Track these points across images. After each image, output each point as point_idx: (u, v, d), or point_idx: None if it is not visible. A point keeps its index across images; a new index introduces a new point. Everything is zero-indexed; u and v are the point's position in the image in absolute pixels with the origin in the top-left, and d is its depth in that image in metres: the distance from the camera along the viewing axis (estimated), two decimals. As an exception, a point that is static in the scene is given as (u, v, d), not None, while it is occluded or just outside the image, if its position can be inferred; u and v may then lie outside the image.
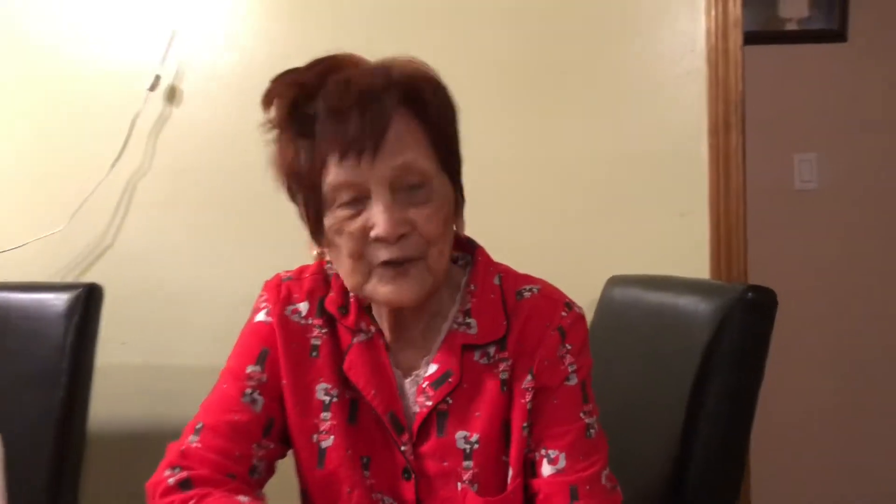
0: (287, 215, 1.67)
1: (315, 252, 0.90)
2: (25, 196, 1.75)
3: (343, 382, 0.89)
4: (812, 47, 2.73)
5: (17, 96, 1.76)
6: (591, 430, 0.86)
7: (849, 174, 2.72)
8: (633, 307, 1.27)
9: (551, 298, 0.89)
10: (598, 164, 1.65)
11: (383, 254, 0.82)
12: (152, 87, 1.71)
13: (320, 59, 0.85)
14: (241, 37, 1.73)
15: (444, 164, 0.85)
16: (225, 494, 0.82)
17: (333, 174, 0.81)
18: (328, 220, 0.83)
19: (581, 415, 0.86)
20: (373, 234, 0.81)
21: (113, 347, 1.61)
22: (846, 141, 2.72)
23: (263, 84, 1.68)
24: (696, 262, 1.61)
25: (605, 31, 1.65)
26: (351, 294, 0.89)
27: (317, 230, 0.85)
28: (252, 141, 1.67)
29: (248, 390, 0.88)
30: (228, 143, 1.72)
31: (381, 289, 0.83)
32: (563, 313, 0.88)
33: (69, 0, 1.74)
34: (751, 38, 2.67)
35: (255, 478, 0.88)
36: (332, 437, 0.87)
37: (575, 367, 0.86)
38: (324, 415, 0.88)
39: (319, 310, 0.91)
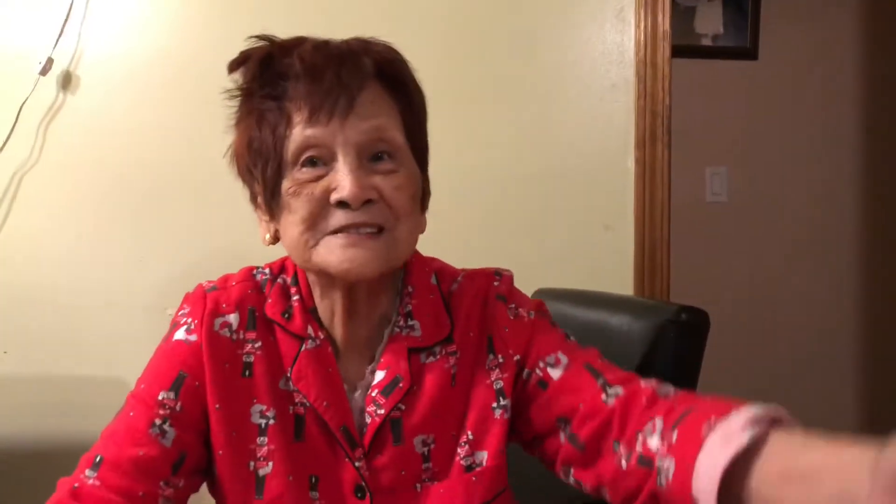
0: (193, 215, 1.59)
1: (268, 236, 0.83)
2: None
3: (283, 399, 0.81)
4: (725, 63, 2.82)
5: None
6: (571, 337, 0.86)
7: (757, 187, 2.82)
8: (562, 324, 1.24)
9: (478, 275, 0.88)
10: (525, 176, 1.63)
11: (343, 218, 0.76)
12: (44, 72, 1.57)
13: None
14: (150, 20, 1.61)
15: (413, 146, 0.81)
16: None
17: (299, 133, 0.76)
18: (286, 183, 0.77)
19: (553, 326, 0.86)
20: (335, 196, 0.75)
21: (-8, 358, 1.47)
22: (755, 155, 2.82)
23: (173, 73, 1.62)
24: (620, 275, 1.61)
25: (534, 41, 1.63)
26: (294, 297, 0.83)
27: (273, 200, 0.79)
28: (156, 134, 1.59)
29: (158, 420, 0.79)
30: (130, 136, 1.61)
31: (332, 256, 0.77)
32: (495, 282, 0.87)
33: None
34: (667, 51, 2.76)
35: None
36: (270, 463, 0.80)
37: (528, 310, 0.86)
38: (260, 440, 0.80)
39: (251, 321, 0.83)
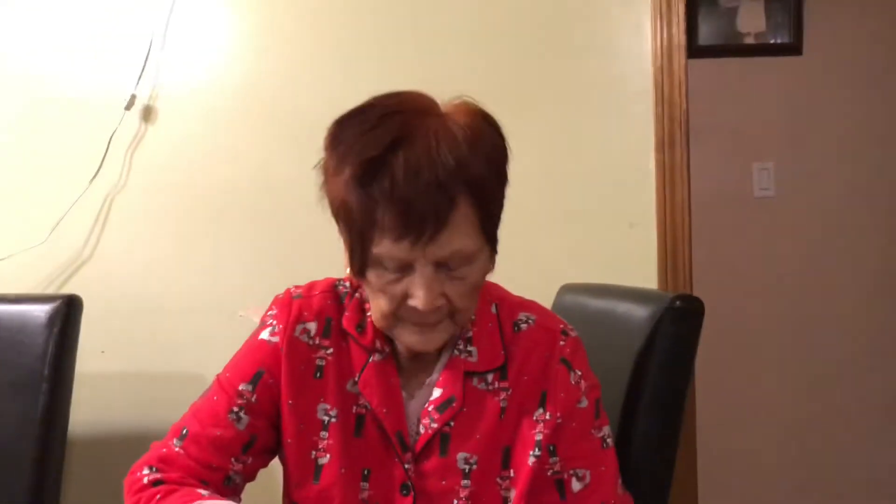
0: (260, 230, 1.78)
1: (349, 272, 0.90)
2: (7, 211, 1.82)
3: (347, 400, 0.92)
4: (769, 60, 2.85)
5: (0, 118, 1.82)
6: (607, 441, 0.94)
7: (804, 182, 2.83)
8: (579, 313, 1.35)
9: (547, 328, 0.94)
10: (554, 178, 1.75)
11: (415, 318, 0.86)
12: (128, 107, 1.78)
13: (388, 120, 0.82)
14: (214, 56, 1.81)
15: (488, 237, 0.87)
16: (188, 489, 0.88)
17: (386, 247, 0.81)
18: (372, 276, 0.85)
19: (593, 430, 0.93)
20: (410, 302, 0.84)
21: (92, 356, 1.67)
22: (802, 150, 2.83)
23: (241, 101, 1.81)
24: (645, 271, 1.70)
25: (559, 53, 1.75)
26: (368, 313, 0.92)
27: (359, 274, 0.87)
28: (224, 157, 1.80)
29: (236, 408, 0.92)
30: (204, 160, 1.80)
31: (406, 337, 0.88)
32: (562, 342, 0.93)
33: (48, 25, 1.81)
34: (711, 52, 2.81)
35: (228, 486, 0.93)
36: (328, 455, 0.91)
37: (585, 388, 0.93)
38: (322, 433, 0.92)
39: (327, 330, 0.94)
